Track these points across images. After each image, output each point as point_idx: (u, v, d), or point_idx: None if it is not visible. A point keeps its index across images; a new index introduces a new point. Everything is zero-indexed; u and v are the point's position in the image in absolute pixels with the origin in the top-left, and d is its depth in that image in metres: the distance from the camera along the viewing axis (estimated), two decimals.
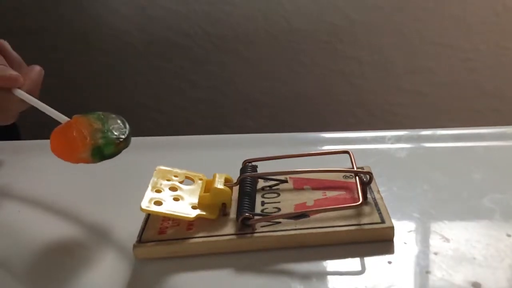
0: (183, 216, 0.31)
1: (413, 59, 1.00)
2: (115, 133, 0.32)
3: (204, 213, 0.31)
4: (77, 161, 0.32)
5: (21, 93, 0.37)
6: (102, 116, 0.33)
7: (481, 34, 0.96)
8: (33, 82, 0.38)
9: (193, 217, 0.31)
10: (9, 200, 0.39)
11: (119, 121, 0.33)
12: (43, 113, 0.36)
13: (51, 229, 0.35)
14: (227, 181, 0.33)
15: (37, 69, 0.39)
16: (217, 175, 0.33)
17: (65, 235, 0.34)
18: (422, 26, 0.97)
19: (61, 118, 0.34)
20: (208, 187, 0.33)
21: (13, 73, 0.37)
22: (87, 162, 0.32)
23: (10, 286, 0.30)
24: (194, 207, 0.32)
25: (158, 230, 0.31)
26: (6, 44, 0.40)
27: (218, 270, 0.29)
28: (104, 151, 0.31)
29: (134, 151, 0.44)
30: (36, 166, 0.43)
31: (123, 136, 0.32)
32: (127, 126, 0.33)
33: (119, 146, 0.32)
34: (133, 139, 0.46)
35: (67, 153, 0.32)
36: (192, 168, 0.35)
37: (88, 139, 0.31)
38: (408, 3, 0.96)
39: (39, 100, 0.36)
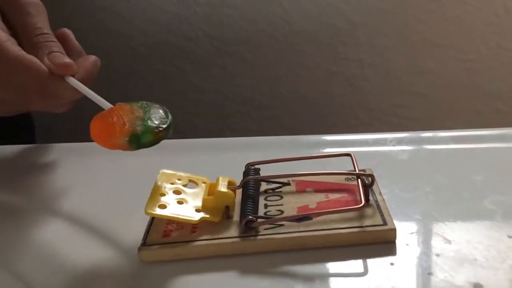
0: (187, 220, 0.31)
1: (414, 61, 1.00)
2: (155, 122, 0.32)
3: (207, 216, 0.32)
4: (113, 147, 0.31)
5: (73, 81, 0.36)
6: (145, 105, 0.33)
7: (482, 35, 0.96)
8: (86, 72, 0.38)
9: (197, 220, 0.31)
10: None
11: (161, 111, 0.33)
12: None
13: (53, 232, 0.35)
14: (230, 184, 0.34)
15: (92, 58, 0.39)
16: (220, 178, 0.33)
17: (69, 238, 0.34)
18: (424, 28, 0.97)
19: (108, 106, 0.33)
20: (211, 190, 0.33)
21: (67, 60, 0.37)
22: (124, 149, 0.31)
23: (6, 284, 0.30)
24: (198, 210, 0.32)
25: (163, 233, 0.32)
26: (69, 33, 0.41)
27: (222, 272, 0.30)
28: (141, 139, 0.31)
29: (138, 155, 0.44)
30: (38, 168, 0.43)
31: (163, 126, 0.32)
32: (170, 116, 0.32)
33: (158, 135, 0.31)
34: None
35: (104, 137, 0.31)
36: (195, 171, 0.36)
37: (127, 125, 0.31)
38: (409, 5, 0.96)
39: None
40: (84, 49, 0.42)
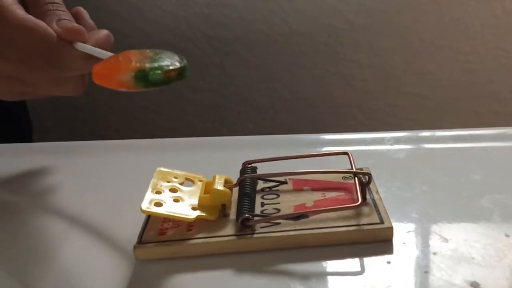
0: (183, 217, 0.31)
1: (412, 62, 1.00)
2: (167, 62, 0.28)
3: (204, 214, 0.32)
4: (118, 85, 0.28)
5: (82, 46, 0.33)
6: (158, 50, 0.29)
7: (480, 36, 0.96)
8: (98, 42, 0.35)
9: (193, 218, 0.31)
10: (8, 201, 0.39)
11: (176, 56, 0.29)
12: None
13: (49, 230, 0.35)
14: (227, 182, 0.33)
15: (104, 32, 0.36)
16: (217, 176, 0.33)
17: (64, 236, 0.34)
18: (422, 29, 0.97)
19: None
20: (208, 188, 0.33)
21: (76, 25, 0.34)
22: (130, 88, 0.28)
23: (5, 283, 0.30)
24: (194, 208, 0.32)
25: (158, 231, 0.32)
26: (83, 11, 0.38)
27: (218, 270, 0.30)
28: (150, 75, 0.28)
29: (134, 153, 0.44)
30: (33, 167, 0.43)
31: (177, 64, 0.28)
32: (185, 61, 0.29)
33: (168, 75, 0.28)
34: (133, 141, 0.46)
35: (108, 74, 0.28)
36: (192, 170, 0.36)
37: (133, 62, 0.28)
38: (408, 6, 0.96)
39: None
40: None
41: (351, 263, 0.29)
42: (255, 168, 0.36)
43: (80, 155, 0.45)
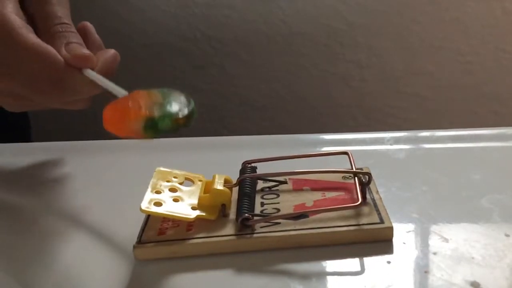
0: (183, 217, 0.31)
1: (412, 62, 1.00)
2: (175, 108, 0.28)
3: (203, 214, 0.32)
4: (128, 133, 0.28)
5: (91, 74, 0.34)
6: (166, 91, 0.29)
7: (480, 37, 0.96)
8: (106, 65, 0.35)
9: (193, 218, 0.31)
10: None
11: (183, 97, 0.29)
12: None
13: (49, 230, 0.35)
14: (226, 182, 0.33)
15: (111, 52, 0.36)
16: (217, 176, 0.33)
17: (64, 236, 0.34)
18: (421, 29, 0.97)
19: (122, 92, 0.31)
20: (207, 188, 0.33)
21: (86, 52, 0.35)
22: (139, 137, 0.28)
23: (4, 283, 0.30)
24: (193, 208, 0.32)
25: (158, 231, 0.31)
26: (90, 27, 0.38)
27: (218, 270, 0.30)
28: (159, 124, 0.28)
29: (134, 153, 0.44)
30: (32, 167, 0.43)
31: (185, 111, 0.28)
32: (192, 103, 0.29)
33: (177, 122, 0.28)
34: (132, 141, 0.46)
35: (117, 122, 0.28)
36: (192, 170, 0.36)
37: (143, 109, 0.28)
38: (407, 7, 0.96)
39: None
40: None
41: (351, 263, 0.29)
42: (255, 168, 0.36)
43: (80, 155, 0.45)
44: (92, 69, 0.34)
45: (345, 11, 0.97)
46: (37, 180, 0.41)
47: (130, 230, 0.32)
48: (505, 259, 0.28)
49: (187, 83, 1.05)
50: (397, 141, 0.42)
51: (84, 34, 0.37)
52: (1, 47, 0.34)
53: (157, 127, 0.28)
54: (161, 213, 0.31)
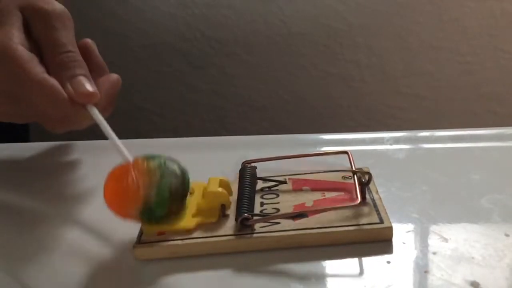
0: (182, 228, 0.31)
1: (411, 62, 1.00)
2: (171, 181, 0.30)
3: (204, 218, 0.31)
4: (126, 216, 0.30)
5: (94, 113, 0.35)
6: (163, 164, 0.31)
7: (479, 37, 0.97)
8: (108, 96, 0.36)
9: (192, 226, 0.31)
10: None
11: (178, 171, 0.31)
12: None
13: (48, 230, 0.35)
14: (222, 183, 0.33)
15: (113, 78, 0.38)
16: (211, 179, 0.33)
17: (63, 236, 0.34)
18: (421, 30, 0.97)
19: (125, 156, 0.32)
20: (205, 192, 0.33)
21: (90, 89, 0.35)
22: (136, 221, 0.30)
23: (4, 283, 0.30)
24: (194, 215, 0.32)
25: (158, 231, 0.31)
26: (93, 46, 0.39)
27: (218, 270, 0.30)
28: (155, 211, 0.30)
29: (134, 153, 0.44)
30: (30, 167, 0.43)
31: (176, 198, 0.30)
32: (187, 176, 0.31)
33: (170, 211, 0.30)
34: (131, 140, 0.46)
35: (118, 205, 0.30)
36: (192, 170, 0.35)
37: (141, 190, 0.29)
38: (406, 7, 0.96)
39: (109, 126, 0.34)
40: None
41: (351, 263, 0.29)
42: (255, 167, 0.36)
43: (79, 155, 0.44)
44: (96, 104, 0.35)
45: (345, 12, 0.97)
46: (36, 180, 0.41)
47: (130, 230, 0.32)
48: (505, 259, 0.28)
49: (186, 83, 1.05)
50: (396, 141, 0.42)
51: (85, 52, 0.38)
52: (9, 78, 0.35)
53: (154, 214, 0.30)
54: (161, 227, 0.31)
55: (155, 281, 0.29)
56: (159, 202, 0.30)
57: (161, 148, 0.44)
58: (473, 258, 0.29)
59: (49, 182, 0.41)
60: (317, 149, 0.43)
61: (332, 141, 0.44)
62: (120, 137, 0.45)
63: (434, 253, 0.29)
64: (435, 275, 0.28)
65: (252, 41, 1.01)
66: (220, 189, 0.32)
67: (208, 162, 0.41)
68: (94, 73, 0.37)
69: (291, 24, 0.99)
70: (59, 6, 0.37)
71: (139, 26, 1.02)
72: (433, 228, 0.31)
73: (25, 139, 0.63)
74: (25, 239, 0.34)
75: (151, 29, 1.02)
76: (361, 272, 0.29)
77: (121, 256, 0.31)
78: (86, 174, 0.42)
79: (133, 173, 0.30)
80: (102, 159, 0.43)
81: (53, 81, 0.35)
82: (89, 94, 0.35)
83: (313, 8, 0.98)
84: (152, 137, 0.46)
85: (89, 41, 0.39)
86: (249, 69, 1.03)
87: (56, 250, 0.33)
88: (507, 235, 0.30)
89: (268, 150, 0.40)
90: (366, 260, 0.29)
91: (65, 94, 0.35)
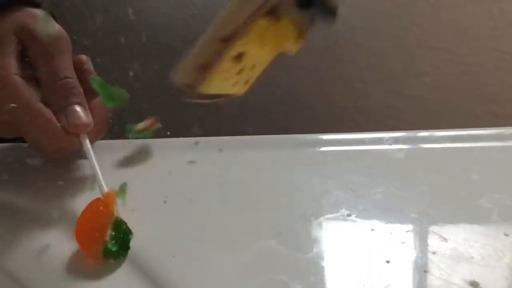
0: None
1: (410, 63, 1.00)
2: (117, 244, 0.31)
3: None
4: (92, 258, 0.31)
5: (85, 142, 0.36)
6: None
7: (478, 38, 0.97)
8: (101, 120, 0.38)
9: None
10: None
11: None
12: None
13: (47, 230, 0.35)
14: None
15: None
16: None
17: (64, 235, 0.34)
18: (420, 31, 0.97)
19: (102, 189, 0.33)
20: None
21: (84, 120, 0.36)
22: (99, 261, 0.31)
23: (4, 283, 0.30)
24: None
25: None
26: (88, 62, 0.39)
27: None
28: (109, 247, 0.31)
29: (133, 153, 0.44)
30: (28, 166, 0.43)
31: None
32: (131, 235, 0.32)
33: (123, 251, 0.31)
34: (130, 141, 0.46)
35: (87, 246, 0.31)
36: (191, 170, 0.35)
37: (105, 235, 0.31)
38: (405, 8, 0.96)
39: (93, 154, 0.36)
40: (80, 50, 0.41)
41: (350, 262, 0.29)
42: None
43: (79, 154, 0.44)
44: (89, 132, 0.37)
45: (344, 13, 0.97)
46: (35, 180, 0.41)
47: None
48: (504, 258, 0.28)
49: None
50: (396, 141, 0.42)
51: (80, 71, 0.38)
52: (5, 107, 0.35)
53: (108, 250, 0.30)
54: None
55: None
56: (113, 244, 0.31)
57: (160, 148, 0.44)
58: (472, 257, 0.29)
59: (49, 182, 0.41)
60: (317, 149, 0.43)
61: (331, 141, 0.44)
62: (117, 137, 0.45)
63: (434, 253, 0.29)
64: (435, 275, 0.28)
65: None
66: None
67: (208, 162, 0.41)
68: (88, 93, 0.38)
69: None
70: (55, 29, 0.37)
71: (138, 27, 1.02)
72: (433, 228, 0.31)
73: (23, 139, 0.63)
74: (24, 238, 0.34)
75: (150, 30, 1.02)
76: (361, 272, 0.29)
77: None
78: (86, 175, 0.42)
79: (102, 212, 0.31)
80: (103, 160, 0.43)
81: (47, 112, 0.36)
82: (83, 125, 0.36)
83: None
84: (151, 137, 0.46)
85: (83, 57, 0.39)
86: None
87: (56, 248, 0.33)
88: (506, 235, 0.30)
89: (268, 150, 0.40)
90: (365, 259, 0.29)
91: (59, 125, 0.36)
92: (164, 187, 0.37)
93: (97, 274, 0.30)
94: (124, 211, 0.33)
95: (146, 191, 0.36)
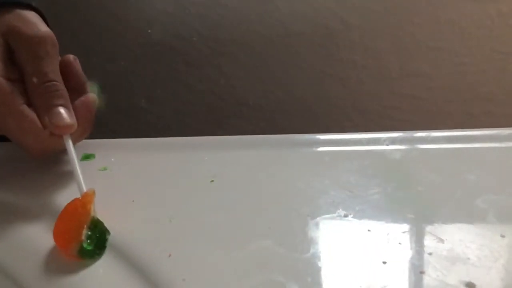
0: None
1: (408, 63, 1.00)
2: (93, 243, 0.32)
3: None
4: (69, 257, 0.31)
5: (68, 144, 0.36)
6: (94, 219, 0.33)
7: (475, 38, 0.97)
8: (84, 121, 0.38)
9: None
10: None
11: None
12: None
13: (47, 230, 0.35)
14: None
15: (90, 100, 0.38)
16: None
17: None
18: (417, 30, 0.97)
19: (81, 189, 0.34)
20: None
21: (68, 121, 0.36)
22: (76, 259, 0.31)
23: (4, 283, 0.30)
24: None
25: None
26: (75, 63, 0.39)
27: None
28: (85, 247, 0.31)
29: (133, 153, 0.44)
30: (27, 166, 0.43)
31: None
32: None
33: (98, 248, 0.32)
34: (129, 140, 0.46)
35: (63, 246, 0.31)
36: (190, 170, 0.35)
37: (80, 235, 0.31)
38: (403, 7, 0.96)
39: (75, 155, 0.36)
40: (78, 49, 0.41)
41: (347, 263, 0.29)
42: None
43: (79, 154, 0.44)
44: (72, 132, 0.37)
45: (341, 12, 0.97)
46: (36, 180, 0.41)
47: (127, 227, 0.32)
48: (501, 259, 0.28)
49: (183, 82, 1.05)
50: (393, 141, 0.42)
51: (67, 71, 0.38)
52: None
53: (84, 250, 0.31)
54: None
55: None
56: (88, 243, 0.31)
57: (160, 148, 0.44)
58: (468, 258, 0.29)
59: (48, 182, 0.41)
60: (314, 149, 0.43)
61: (329, 141, 0.44)
62: (115, 136, 0.45)
63: (430, 254, 0.29)
64: (431, 276, 0.28)
65: (249, 40, 1.01)
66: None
67: (205, 162, 0.41)
68: (74, 92, 0.38)
69: (287, 24, 0.99)
70: (42, 31, 0.37)
71: (135, 25, 1.02)
72: (429, 228, 0.31)
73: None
74: (24, 238, 0.34)
75: (148, 28, 1.02)
76: (357, 272, 0.29)
77: (118, 256, 0.31)
78: (86, 174, 0.42)
79: (80, 211, 0.32)
80: (103, 160, 0.43)
81: (30, 113, 0.36)
82: (66, 126, 0.36)
83: (309, 8, 0.98)
84: (147, 136, 0.45)
85: (71, 58, 0.39)
86: (246, 68, 1.03)
87: (55, 249, 0.33)
88: (502, 236, 0.30)
89: (266, 150, 0.40)
90: (361, 260, 0.29)
91: (41, 127, 0.36)
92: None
93: (74, 270, 0.30)
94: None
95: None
